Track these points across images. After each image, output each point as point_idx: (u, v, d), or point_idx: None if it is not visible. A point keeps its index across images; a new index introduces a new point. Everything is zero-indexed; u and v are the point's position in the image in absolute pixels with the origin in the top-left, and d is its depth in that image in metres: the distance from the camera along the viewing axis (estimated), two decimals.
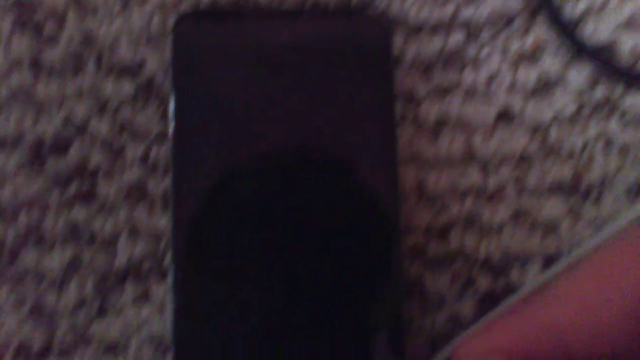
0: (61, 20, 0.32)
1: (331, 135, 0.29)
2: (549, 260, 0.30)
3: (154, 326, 0.30)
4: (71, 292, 0.30)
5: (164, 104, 0.31)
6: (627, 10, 0.32)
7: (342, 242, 0.28)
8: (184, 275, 0.28)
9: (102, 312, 0.30)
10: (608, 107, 0.32)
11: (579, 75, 0.32)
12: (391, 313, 0.28)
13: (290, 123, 0.29)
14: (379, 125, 0.29)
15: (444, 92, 0.32)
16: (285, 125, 0.29)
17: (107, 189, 0.30)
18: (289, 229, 0.28)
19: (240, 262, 0.28)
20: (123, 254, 0.30)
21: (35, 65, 0.31)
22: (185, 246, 0.28)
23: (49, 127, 0.31)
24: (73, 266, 0.30)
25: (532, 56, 0.32)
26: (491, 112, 0.32)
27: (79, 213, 0.30)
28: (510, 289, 0.30)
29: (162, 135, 0.31)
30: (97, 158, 0.30)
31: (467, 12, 0.32)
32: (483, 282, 0.30)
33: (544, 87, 0.32)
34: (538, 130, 0.31)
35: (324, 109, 0.29)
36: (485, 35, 0.32)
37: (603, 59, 0.32)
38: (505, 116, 0.32)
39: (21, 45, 0.31)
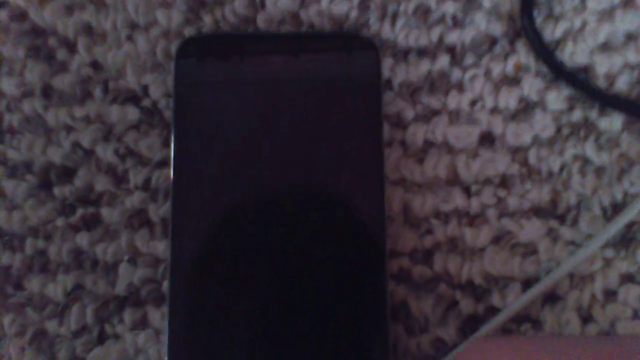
0: (72, 47, 0.34)
1: (322, 159, 0.31)
2: (528, 282, 0.32)
3: (150, 354, 0.31)
4: (72, 319, 0.32)
5: (166, 129, 0.33)
6: (602, 35, 0.34)
7: (331, 266, 0.30)
8: (180, 301, 0.29)
9: (101, 339, 0.32)
10: (585, 128, 0.33)
11: (557, 97, 0.34)
12: (378, 336, 0.29)
13: (282, 150, 0.31)
14: (368, 149, 0.31)
15: (430, 115, 0.33)
16: (278, 152, 0.31)
17: (110, 215, 0.32)
18: (282, 254, 0.30)
19: (236, 290, 0.30)
20: (123, 280, 0.32)
21: (47, 92, 0.33)
22: (183, 272, 0.30)
23: (58, 153, 0.33)
24: (75, 293, 0.32)
25: (513, 79, 0.34)
26: (474, 134, 0.33)
27: (83, 239, 0.32)
28: (491, 312, 0.32)
29: (163, 162, 0.33)
30: (101, 183, 0.33)
31: (452, 37, 0.34)
32: (465, 306, 0.32)
33: (525, 109, 0.33)
34: (518, 152, 0.33)
35: (316, 132, 0.31)
36: (469, 59, 0.34)
37: (580, 82, 0.34)
38: (487, 138, 0.33)
39: (34, 72, 0.33)
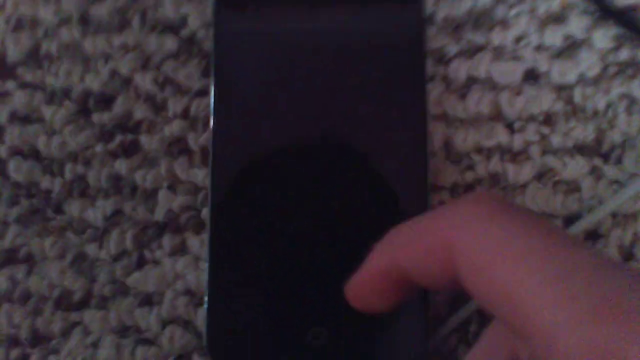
0: None
1: (363, 95, 0.31)
2: (570, 220, 0.32)
3: (189, 279, 0.32)
4: (112, 244, 0.32)
5: (205, 60, 0.33)
6: None
7: (371, 200, 0.30)
8: (220, 229, 0.30)
9: (140, 263, 0.32)
10: (632, 68, 0.33)
11: (604, 36, 0.34)
12: None
13: (326, 84, 0.31)
14: (410, 84, 0.31)
15: (473, 51, 0.33)
16: (321, 85, 0.31)
17: (149, 142, 0.33)
18: (323, 185, 0.30)
19: (276, 220, 0.30)
20: (162, 207, 0.32)
21: (84, 21, 0.34)
22: (223, 200, 0.30)
23: (96, 81, 0.33)
24: (114, 218, 0.32)
25: (559, 17, 0.34)
26: (518, 71, 0.33)
27: (122, 166, 0.33)
28: None
29: (203, 91, 0.33)
30: (140, 111, 0.33)
31: None
32: None
33: (570, 47, 0.33)
34: (563, 90, 0.33)
35: (358, 68, 0.31)
36: None
37: (628, 20, 0.33)
38: (532, 76, 0.33)
39: (70, 1, 0.34)
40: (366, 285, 0.22)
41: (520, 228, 0.17)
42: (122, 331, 0.32)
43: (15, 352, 0.32)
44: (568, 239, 0.17)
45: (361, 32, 0.31)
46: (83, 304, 0.32)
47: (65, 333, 0.32)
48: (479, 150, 0.33)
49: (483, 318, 0.31)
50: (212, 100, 0.30)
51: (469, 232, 0.18)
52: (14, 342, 0.32)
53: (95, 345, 0.32)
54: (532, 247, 0.16)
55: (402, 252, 0.20)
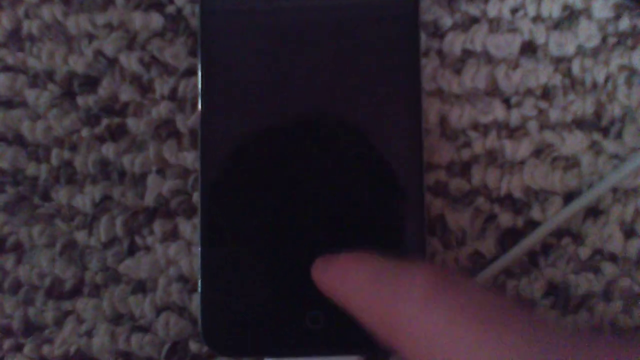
0: None
1: (356, 70, 0.30)
2: (569, 196, 0.32)
3: (182, 265, 0.32)
4: (102, 231, 0.32)
5: (192, 37, 0.33)
6: None
7: (365, 179, 0.30)
8: (212, 213, 0.30)
9: (131, 250, 0.32)
10: (632, 38, 0.33)
11: (604, 5, 0.33)
12: (414, 248, 0.30)
13: (317, 59, 0.31)
14: (404, 59, 0.31)
15: (469, 23, 0.33)
16: (312, 61, 0.31)
17: (137, 125, 0.33)
18: (316, 164, 0.30)
19: (269, 202, 0.30)
20: (152, 191, 0.32)
21: None
22: (214, 183, 0.30)
23: (80, 62, 0.33)
24: (103, 204, 0.32)
25: None
26: (515, 43, 0.33)
27: (109, 150, 0.33)
28: (531, 226, 0.32)
29: (190, 70, 0.33)
30: (126, 93, 0.33)
31: None
32: (504, 219, 0.32)
33: (568, 18, 0.33)
34: (561, 62, 0.33)
35: (350, 42, 0.31)
36: None
37: None
38: (529, 48, 0.33)
39: None
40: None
41: (458, 315, 0.19)
42: (116, 319, 0.32)
43: (8, 343, 0.32)
44: (503, 331, 0.18)
45: (351, 5, 0.31)
46: (75, 292, 0.32)
47: (59, 322, 0.32)
48: (476, 126, 0.33)
49: None
50: (199, 80, 0.30)
51: (411, 312, 0.20)
52: (6, 332, 0.32)
53: (89, 333, 0.32)
54: (465, 340, 0.18)
55: (353, 297, 0.23)
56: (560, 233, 0.32)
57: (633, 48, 0.33)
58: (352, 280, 0.23)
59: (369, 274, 0.22)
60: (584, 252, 0.32)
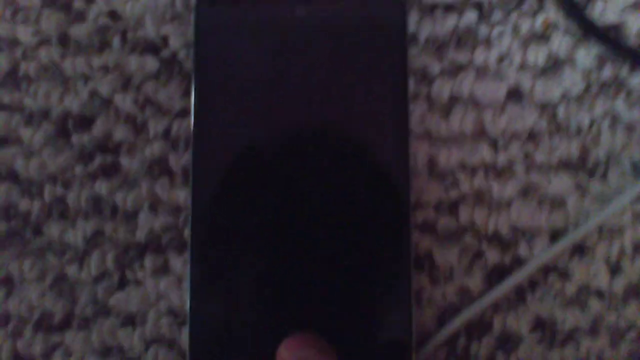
0: None
1: (345, 110, 0.35)
2: (556, 235, 0.37)
3: (172, 299, 0.36)
4: (92, 265, 0.37)
5: (186, 80, 0.38)
6: None
7: (353, 214, 0.35)
8: (202, 249, 0.34)
9: (121, 284, 0.37)
10: (615, 86, 0.39)
11: (587, 55, 0.39)
12: (400, 284, 0.34)
13: (306, 99, 0.35)
14: (392, 101, 0.35)
15: (456, 70, 0.39)
16: (301, 100, 0.35)
17: (130, 163, 0.37)
18: (304, 202, 0.35)
19: (258, 237, 0.34)
20: (143, 227, 0.37)
21: (63, 41, 0.39)
22: (204, 220, 0.34)
23: (75, 101, 0.38)
24: (95, 239, 0.37)
25: (542, 36, 0.39)
26: (502, 90, 0.39)
27: (102, 187, 0.37)
28: (518, 263, 0.37)
29: (184, 111, 0.38)
30: (120, 133, 0.38)
31: None
32: (491, 256, 0.37)
33: (553, 66, 0.39)
34: (547, 107, 0.38)
35: (339, 83, 0.36)
36: (497, 15, 0.39)
37: (611, 40, 0.39)
38: (515, 94, 0.39)
39: (50, 21, 0.39)
40: None
41: None
42: (105, 352, 0.36)
43: None
44: None
45: (342, 46, 0.36)
46: (64, 325, 0.36)
47: (47, 355, 0.36)
48: (463, 167, 0.38)
49: (471, 332, 0.36)
50: (192, 119, 0.35)
51: None
52: None
53: None
54: None
55: None
56: (547, 270, 0.37)
57: (616, 95, 0.38)
58: None
59: None
60: (571, 288, 0.37)
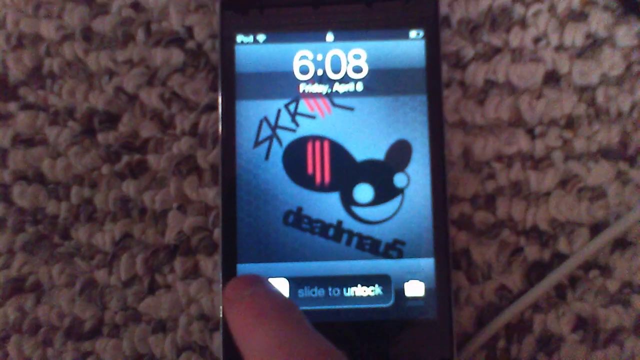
0: None
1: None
2: (596, 228, 0.35)
3: (203, 303, 0.34)
4: (122, 269, 0.35)
5: (213, 72, 0.36)
6: None
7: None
8: (233, 247, 0.32)
9: (151, 289, 0.35)
10: None
11: (627, 33, 0.36)
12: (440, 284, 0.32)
13: None
14: (425, 90, 0.33)
15: (491, 53, 0.36)
16: None
17: (157, 162, 0.35)
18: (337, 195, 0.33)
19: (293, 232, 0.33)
20: (173, 228, 0.35)
21: (87, 35, 0.36)
22: (236, 219, 0.33)
23: (100, 99, 0.36)
24: (123, 242, 0.35)
25: (580, 15, 0.36)
26: (538, 73, 0.36)
27: (130, 187, 0.35)
28: (558, 259, 0.35)
29: (211, 106, 0.35)
30: (147, 129, 0.36)
31: None
32: (531, 252, 0.35)
33: (592, 46, 0.36)
34: (585, 91, 0.35)
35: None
36: None
37: None
38: (552, 77, 0.36)
39: (73, 15, 0.36)
40: None
41: None
42: (136, 359, 0.34)
43: None
44: None
45: (371, 35, 0.34)
46: (94, 332, 0.35)
47: None
48: (500, 158, 0.35)
49: (511, 333, 0.34)
50: (220, 113, 0.33)
51: None
52: None
53: None
54: None
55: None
56: (587, 266, 0.34)
57: None
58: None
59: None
60: (613, 285, 0.34)
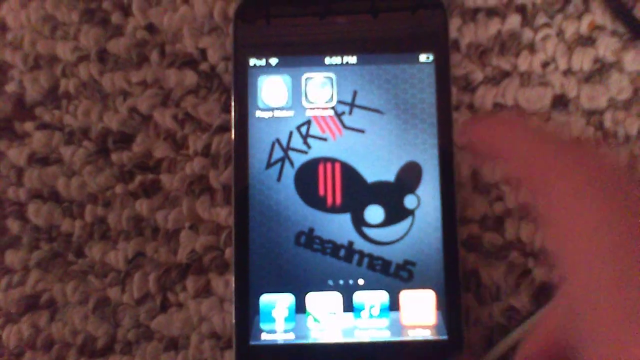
0: (126, 10, 0.36)
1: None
2: None
3: (214, 321, 0.33)
4: (135, 287, 0.34)
5: (225, 94, 0.35)
6: None
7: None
8: (245, 267, 0.31)
9: (163, 307, 0.34)
10: None
11: (635, 58, 0.35)
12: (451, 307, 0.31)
13: None
14: (435, 113, 0.32)
15: (500, 77, 0.35)
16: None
17: (170, 182, 0.34)
18: None
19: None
20: (185, 247, 0.34)
21: (102, 57, 0.35)
22: (248, 239, 0.31)
23: (114, 119, 0.35)
24: (136, 260, 0.34)
25: (588, 40, 0.35)
26: (547, 97, 0.34)
27: (143, 206, 0.34)
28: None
29: (223, 127, 0.34)
30: (160, 150, 0.34)
31: None
32: (539, 273, 0.33)
33: (600, 71, 0.34)
34: (593, 115, 0.34)
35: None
36: (541, 18, 0.35)
37: None
38: (561, 101, 0.34)
39: (89, 36, 0.35)
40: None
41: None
42: None
43: None
44: None
45: (382, 55, 0.33)
46: (107, 350, 0.33)
47: None
48: (508, 180, 0.34)
49: None
50: (232, 134, 0.32)
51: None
52: None
53: None
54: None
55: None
56: None
57: None
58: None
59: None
60: None
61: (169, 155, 0.34)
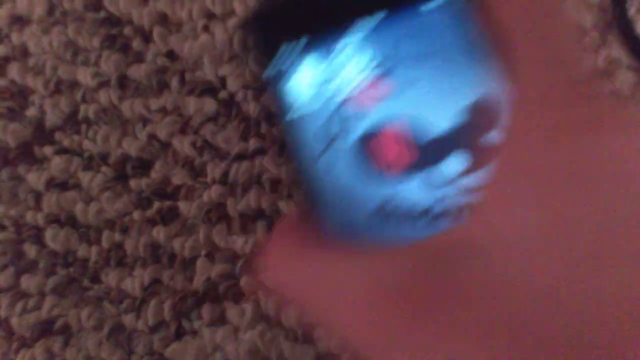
0: (147, 37, 0.35)
1: None
2: None
3: (228, 351, 0.32)
4: (149, 314, 0.33)
5: (244, 122, 0.34)
6: None
7: None
8: None
9: (178, 334, 0.33)
10: None
11: None
12: None
13: None
14: None
15: None
16: None
17: (188, 209, 0.33)
18: None
19: None
20: (201, 275, 0.33)
21: (122, 83, 0.35)
22: None
23: (133, 145, 0.34)
24: (152, 287, 0.33)
25: (604, 73, 0.34)
26: None
27: (160, 233, 0.33)
28: None
29: (242, 154, 0.34)
30: (178, 177, 0.34)
31: None
32: None
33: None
34: None
35: None
36: None
37: None
38: None
39: (109, 62, 0.35)
40: None
41: None
42: None
43: None
44: None
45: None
46: None
47: None
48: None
49: None
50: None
51: None
52: None
53: None
54: None
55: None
56: None
57: None
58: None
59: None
60: None
61: (187, 182, 0.34)
